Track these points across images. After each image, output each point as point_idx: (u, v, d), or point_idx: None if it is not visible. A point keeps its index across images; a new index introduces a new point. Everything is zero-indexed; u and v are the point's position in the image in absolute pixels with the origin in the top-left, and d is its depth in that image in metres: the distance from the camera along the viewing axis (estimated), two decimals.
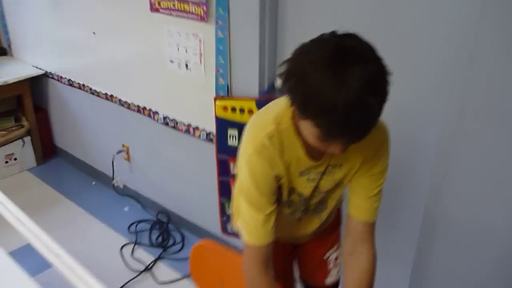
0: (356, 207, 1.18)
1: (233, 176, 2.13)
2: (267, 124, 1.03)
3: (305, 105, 0.85)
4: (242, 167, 1.08)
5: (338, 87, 0.79)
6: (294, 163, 1.07)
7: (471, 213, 1.60)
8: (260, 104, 1.92)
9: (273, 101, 1.12)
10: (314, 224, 1.32)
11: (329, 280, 1.49)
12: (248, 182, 1.06)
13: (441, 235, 1.71)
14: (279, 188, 1.12)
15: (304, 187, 1.14)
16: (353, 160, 1.10)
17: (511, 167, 1.45)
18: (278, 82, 1.94)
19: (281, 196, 1.15)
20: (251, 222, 1.10)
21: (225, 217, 2.27)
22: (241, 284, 1.37)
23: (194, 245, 1.43)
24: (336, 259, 1.48)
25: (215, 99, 2.02)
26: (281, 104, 1.03)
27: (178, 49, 2.20)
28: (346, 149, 0.93)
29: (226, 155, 2.10)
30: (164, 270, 2.45)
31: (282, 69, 0.89)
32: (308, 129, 0.90)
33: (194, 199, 2.62)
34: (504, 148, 1.45)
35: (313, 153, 1.05)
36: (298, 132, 1.01)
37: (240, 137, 1.98)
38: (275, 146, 1.03)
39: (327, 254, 1.46)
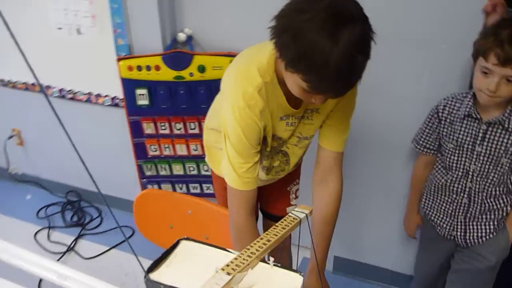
0: (327, 139, 1.26)
1: (148, 136, 2.13)
2: (254, 77, 1.07)
3: (298, 61, 0.90)
4: (230, 118, 1.10)
5: (331, 47, 0.85)
6: (275, 109, 1.14)
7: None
8: (167, 59, 1.93)
9: (249, 49, 1.16)
10: (284, 173, 1.42)
11: (290, 209, 1.56)
12: (237, 134, 1.10)
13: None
14: (264, 139, 1.19)
15: (284, 130, 1.22)
16: (329, 104, 1.18)
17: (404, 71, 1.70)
18: (181, 35, 1.97)
19: (265, 147, 1.22)
20: (239, 170, 1.14)
21: (145, 179, 2.27)
22: (190, 221, 1.43)
23: (137, 195, 1.44)
24: (296, 191, 1.59)
25: (118, 60, 1.98)
26: (261, 56, 1.08)
27: (65, 13, 2.08)
28: (326, 101, 1.03)
29: (138, 116, 2.09)
30: (88, 246, 2.39)
31: (272, 24, 0.93)
32: (296, 81, 0.96)
33: (106, 170, 2.54)
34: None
35: (293, 102, 1.14)
36: (280, 82, 1.08)
37: (151, 95, 2.00)
38: (263, 98, 1.08)
39: (289, 187, 1.57)
